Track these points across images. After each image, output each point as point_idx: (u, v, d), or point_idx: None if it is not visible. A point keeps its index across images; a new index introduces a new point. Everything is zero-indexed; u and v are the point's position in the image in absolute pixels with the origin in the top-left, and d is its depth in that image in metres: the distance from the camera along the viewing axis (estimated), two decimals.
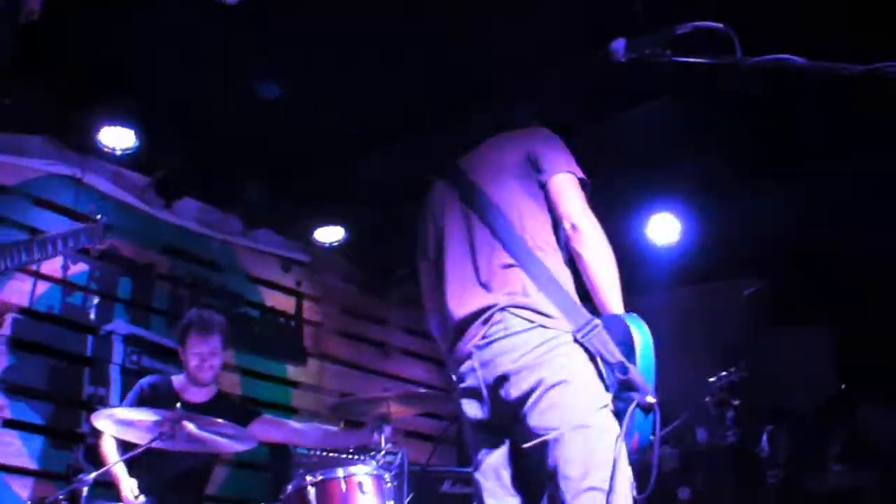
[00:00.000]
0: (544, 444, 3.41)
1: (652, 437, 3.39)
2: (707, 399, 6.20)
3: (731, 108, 6.32)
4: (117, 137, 6.74)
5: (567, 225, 3.69)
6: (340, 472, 5.05)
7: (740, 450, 7.36)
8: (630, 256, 8.21)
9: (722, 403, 6.15)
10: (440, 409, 8.27)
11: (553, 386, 3.43)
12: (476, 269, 3.80)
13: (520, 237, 3.75)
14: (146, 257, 7.54)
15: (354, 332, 9.23)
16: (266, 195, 7.79)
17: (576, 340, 3.51)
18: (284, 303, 8.61)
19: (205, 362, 5.91)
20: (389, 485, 5.25)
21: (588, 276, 3.63)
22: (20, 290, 6.41)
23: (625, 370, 3.38)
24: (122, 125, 6.67)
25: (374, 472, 5.17)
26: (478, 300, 3.71)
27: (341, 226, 8.22)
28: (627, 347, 3.46)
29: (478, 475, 3.74)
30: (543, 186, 3.82)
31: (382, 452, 5.74)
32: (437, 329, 4.13)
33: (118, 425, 4.95)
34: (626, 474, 3.36)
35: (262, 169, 7.51)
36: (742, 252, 8.10)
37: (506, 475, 3.67)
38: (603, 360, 3.47)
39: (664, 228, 7.92)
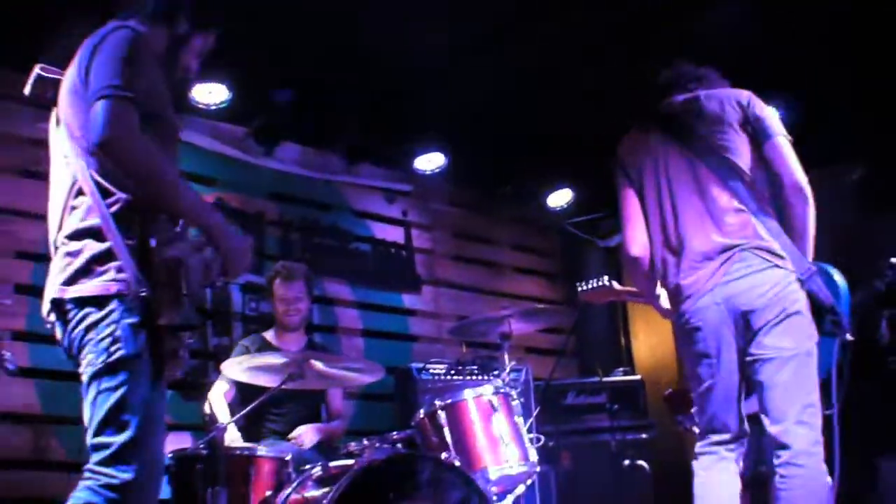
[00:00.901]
0: (777, 360, 4.00)
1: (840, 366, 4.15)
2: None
3: None
4: (211, 93, 6.85)
5: (791, 182, 4.15)
6: (469, 394, 5.12)
7: (859, 338, 7.26)
8: None
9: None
10: (559, 322, 8.33)
11: (792, 314, 4.00)
12: (709, 212, 4.24)
13: (747, 186, 4.21)
14: (254, 206, 7.66)
15: (465, 255, 9.30)
16: (363, 130, 7.83)
17: (798, 280, 4.07)
18: (393, 234, 8.69)
19: (290, 306, 6.26)
20: (516, 402, 5.31)
21: (799, 227, 4.14)
22: None
23: (836, 312, 4.07)
24: (214, 80, 6.77)
25: (502, 391, 5.22)
26: (716, 240, 4.18)
27: (440, 151, 8.23)
28: (833, 292, 4.12)
29: (707, 394, 4.25)
30: (761, 145, 4.24)
31: (507, 370, 5.79)
32: (640, 259, 4.51)
33: (247, 372, 5.07)
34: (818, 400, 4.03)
35: (357, 105, 7.53)
36: (846, 137, 7.92)
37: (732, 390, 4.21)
38: (819, 300, 4.07)
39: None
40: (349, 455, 4.92)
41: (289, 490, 4.64)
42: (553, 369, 7.24)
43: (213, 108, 6.94)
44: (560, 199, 9.27)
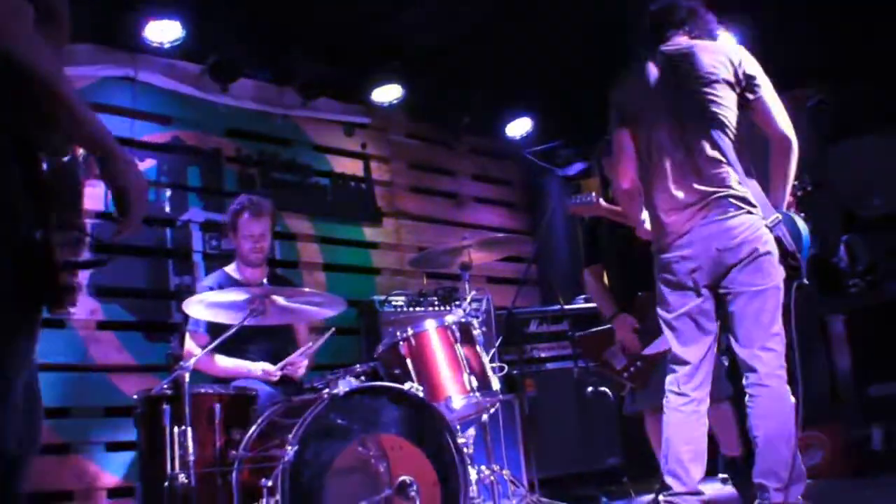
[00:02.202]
0: (747, 293, 4.39)
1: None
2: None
3: None
4: (164, 31, 6.79)
5: (778, 136, 4.49)
6: (430, 325, 5.18)
7: (819, 261, 7.38)
8: None
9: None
10: (520, 251, 8.38)
11: (763, 254, 4.37)
12: (692, 161, 4.51)
13: (730, 139, 4.50)
14: (211, 143, 7.62)
15: (425, 186, 9.31)
16: (320, 63, 7.80)
17: (767, 227, 4.42)
18: (353, 167, 8.67)
19: (256, 244, 6.12)
20: (477, 331, 5.37)
21: (780, 177, 4.52)
22: (93, 196, 6.53)
23: (796, 258, 4.40)
24: (167, 17, 6.71)
25: (463, 320, 5.28)
26: (696, 188, 4.49)
27: (398, 83, 8.19)
28: (795, 239, 4.42)
29: (674, 321, 4.61)
30: (750, 100, 4.52)
31: (468, 300, 5.84)
32: (630, 190, 4.85)
33: (209, 308, 5.08)
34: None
35: (311, 39, 7.50)
36: (801, 62, 7.93)
37: (701, 320, 4.54)
38: (783, 245, 4.41)
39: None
40: (313, 390, 4.96)
41: (254, 427, 4.69)
42: (514, 298, 7.29)
43: (168, 45, 6.88)
44: (519, 128, 9.28)
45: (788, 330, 4.37)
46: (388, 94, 8.26)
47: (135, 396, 4.96)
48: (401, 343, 5.12)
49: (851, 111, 8.11)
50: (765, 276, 4.39)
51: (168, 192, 7.24)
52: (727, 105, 4.53)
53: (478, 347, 5.27)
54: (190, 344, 5.90)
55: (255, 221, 6.14)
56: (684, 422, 4.48)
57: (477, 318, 5.53)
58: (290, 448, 4.23)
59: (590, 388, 7.31)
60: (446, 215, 9.33)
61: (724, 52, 4.61)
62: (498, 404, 5.69)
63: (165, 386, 4.71)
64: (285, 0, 6.90)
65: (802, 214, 4.61)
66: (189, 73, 7.45)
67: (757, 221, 4.42)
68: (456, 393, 5.01)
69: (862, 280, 7.53)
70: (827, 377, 7.62)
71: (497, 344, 6.39)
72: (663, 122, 4.63)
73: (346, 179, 8.56)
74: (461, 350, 5.10)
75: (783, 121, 4.50)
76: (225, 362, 5.82)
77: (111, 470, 6.41)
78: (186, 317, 5.57)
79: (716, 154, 4.49)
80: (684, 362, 4.55)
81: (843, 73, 8.01)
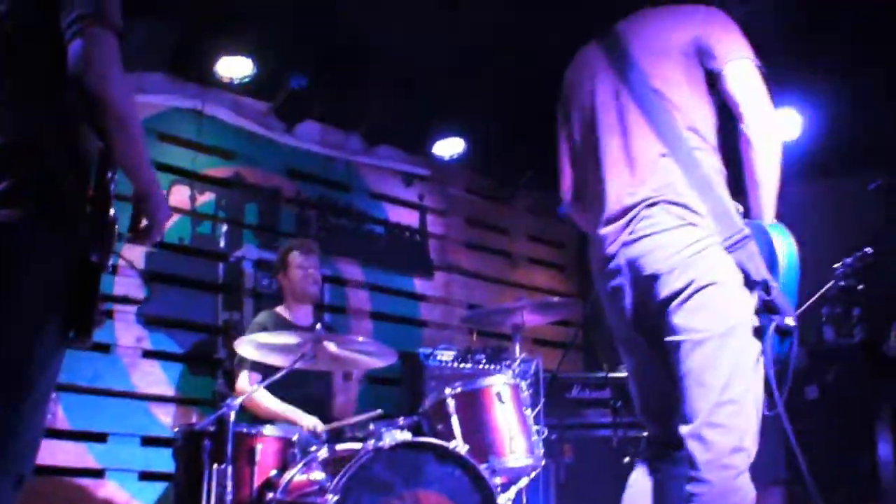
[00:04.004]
0: (687, 343, 3.25)
1: (783, 358, 3.26)
2: (831, 283, 6.05)
3: None
4: (235, 67, 6.86)
5: (740, 117, 3.41)
6: (480, 384, 5.12)
7: (868, 347, 7.24)
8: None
9: (848, 292, 6.00)
10: (569, 315, 8.33)
11: (704, 287, 3.23)
12: (628, 156, 3.54)
13: (678, 127, 3.46)
14: (271, 182, 7.63)
15: (479, 242, 9.25)
16: (385, 112, 7.82)
17: (719, 246, 3.28)
18: (408, 217, 8.66)
19: (309, 276, 6.29)
20: (526, 393, 5.31)
21: (750, 172, 3.43)
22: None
23: (768, 289, 3.20)
24: (239, 54, 6.77)
25: (511, 382, 5.22)
26: (628, 191, 3.48)
27: (461, 137, 8.21)
28: (772, 261, 3.28)
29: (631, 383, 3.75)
30: (716, 75, 3.49)
31: (518, 361, 5.79)
32: (579, 210, 3.99)
33: (259, 350, 5.07)
34: (759, 392, 3.25)
35: (380, 86, 7.52)
36: (865, 145, 7.88)
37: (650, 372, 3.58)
38: (747, 275, 3.25)
39: (785, 123, 7.72)
40: (356, 439, 4.93)
41: (293, 471, 4.65)
42: (560, 362, 7.22)
43: (237, 82, 6.95)
44: None
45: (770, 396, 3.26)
46: (449, 147, 8.28)
47: (175, 429, 4.94)
48: (448, 399, 5.05)
49: None
50: (708, 317, 3.25)
51: (224, 227, 7.26)
52: (680, 80, 3.50)
53: (526, 410, 5.20)
54: (244, 381, 5.90)
55: (305, 257, 6.32)
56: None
57: (525, 380, 5.47)
58: (331, 497, 4.18)
59: (627, 458, 7.22)
60: (498, 273, 9.26)
61: (685, 14, 3.61)
62: (539, 469, 5.62)
63: (209, 423, 4.69)
64: (354, 47, 6.95)
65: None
66: (255, 111, 7.50)
67: (701, 238, 3.30)
68: (499, 454, 4.94)
69: None
70: (871, 467, 7.48)
71: (540, 406, 6.33)
72: (599, 108, 3.68)
73: (401, 229, 8.54)
74: (508, 412, 5.03)
75: (750, 101, 3.40)
76: (275, 405, 5.82)
77: (142, 498, 6.39)
78: (236, 354, 5.55)
79: (658, 146, 3.47)
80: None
81: None
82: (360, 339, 5.25)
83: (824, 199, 8.46)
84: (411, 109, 7.88)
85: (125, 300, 6.52)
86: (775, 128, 3.43)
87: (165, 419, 6.56)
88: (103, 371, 6.35)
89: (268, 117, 7.48)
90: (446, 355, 7.19)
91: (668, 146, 3.44)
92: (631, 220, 3.44)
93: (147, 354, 6.65)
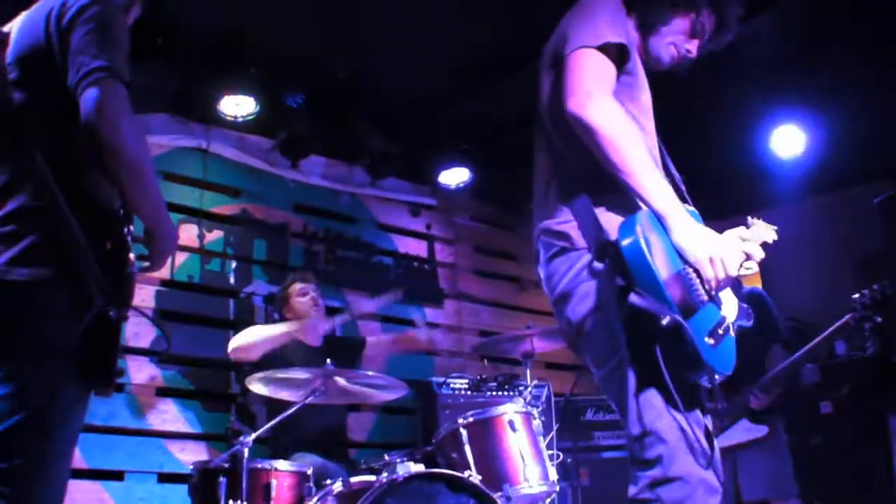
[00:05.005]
0: (600, 379, 3.13)
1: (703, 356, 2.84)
2: (849, 316, 6.04)
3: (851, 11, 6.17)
4: (238, 105, 6.90)
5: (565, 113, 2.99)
6: (492, 413, 5.13)
7: (881, 361, 7.22)
8: (755, 170, 8.09)
9: (864, 320, 6.01)
10: None
11: (586, 315, 3.01)
12: (536, 187, 3.33)
13: (555, 144, 3.22)
14: (278, 217, 7.70)
15: (488, 269, 9.29)
16: (389, 144, 7.86)
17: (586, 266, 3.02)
18: (416, 247, 8.71)
19: (310, 299, 6.40)
20: (538, 421, 5.32)
21: (604, 164, 2.95)
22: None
23: (633, 291, 2.80)
24: (242, 93, 6.82)
25: (523, 410, 5.23)
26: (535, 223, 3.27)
27: (466, 166, 8.26)
28: (636, 265, 2.83)
29: None
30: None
31: (529, 388, 5.81)
32: None
33: (270, 386, 5.10)
34: (671, 420, 2.88)
35: (382, 119, 7.57)
36: (870, 158, 7.90)
37: None
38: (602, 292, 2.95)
39: (788, 140, 7.75)
40: (370, 471, 4.94)
41: None
42: (573, 385, 7.23)
43: (241, 119, 6.99)
44: None
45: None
46: (455, 176, 8.33)
47: (190, 466, 4.96)
48: (461, 429, 5.06)
49: None
50: (598, 349, 3.05)
51: (234, 264, 7.31)
52: (550, 96, 3.22)
53: (538, 438, 5.21)
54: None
55: (302, 283, 6.45)
56: None
57: (537, 406, 5.48)
58: None
59: None
60: (508, 299, 9.29)
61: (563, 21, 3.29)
62: (554, 495, 5.62)
63: (224, 459, 4.71)
64: (356, 81, 7.01)
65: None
66: (260, 148, 7.56)
67: (574, 263, 3.05)
68: (513, 483, 4.94)
69: None
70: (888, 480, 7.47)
71: (554, 431, 6.35)
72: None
73: (409, 259, 8.59)
74: (521, 440, 5.04)
75: (567, 90, 2.99)
76: (264, 331, 6.10)
77: None
78: (244, 389, 5.59)
79: (546, 172, 3.26)
80: None
81: None
82: (370, 373, 5.26)
83: (832, 212, 8.48)
84: (415, 139, 7.92)
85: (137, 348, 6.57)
86: (599, 114, 2.90)
87: (181, 456, 6.60)
88: (118, 410, 6.40)
89: (272, 153, 7.53)
90: (459, 383, 7.22)
91: (552, 168, 3.24)
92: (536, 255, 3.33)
93: (161, 392, 6.69)
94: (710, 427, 2.98)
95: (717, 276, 2.89)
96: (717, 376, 2.93)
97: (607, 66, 3.05)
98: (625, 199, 2.99)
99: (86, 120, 2.65)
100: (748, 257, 3.09)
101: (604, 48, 3.03)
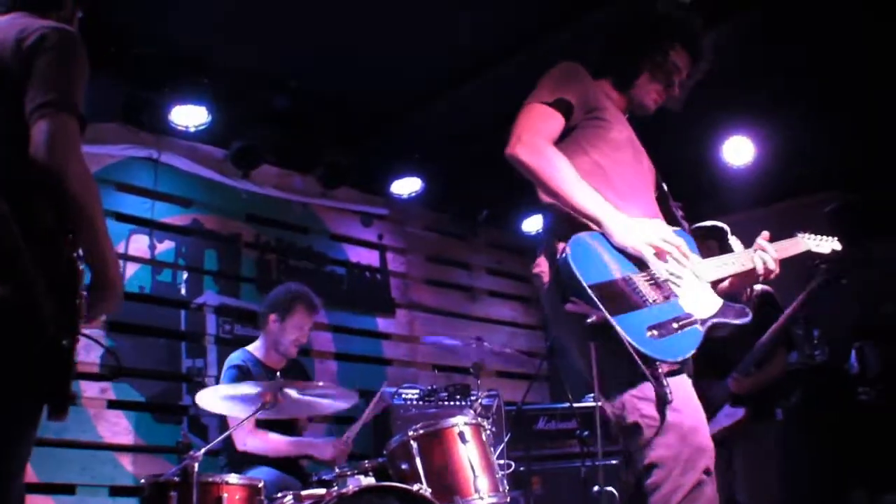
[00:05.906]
0: None
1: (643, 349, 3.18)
2: (791, 310, 6.11)
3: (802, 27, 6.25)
4: (189, 115, 6.87)
5: None
6: (441, 425, 5.15)
7: (831, 368, 7.32)
8: (707, 179, 8.15)
9: (808, 321, 6.08)
10: (532, 347, 8.38)
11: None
12: None
13: None
14: (230, 228, 7.69)
15: (440, 278, 9.33)
16: (341, 154, 7.87)
17: None
18: (368, 257, 8.71)
19: (302, 338, 6.22)
20: (488, 432, 5.34)
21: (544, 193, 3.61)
22: None
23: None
24: (194, 103, 6.80)
25: (474, 422, 5.25)
26: None
27: (417, 176, 8.29)
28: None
29: None
30: None
31: (479, 399, 5.83)
32: None
33: (221, 401, 5.09)
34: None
35: (335, 129, 7.58)
36: (819, 167, 7.98)
37: None
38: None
39: (739, 150, 7.83)
40: (321, 483, 4.95)
41: None
42: (525, 394, 7.26)
43: (193, 130, 6.97)
44: (535, 224, 9.31)
45: None
46: (407, 186, 8.36)
47: (142, 480, 4.94)
48: (411, 441, 5.08)
49: (868, 216, 8.06)
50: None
51: (185, 275, 7.28)
52: None
53: (488, 449, 5.23)
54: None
55: (309, 316, 6.24)
56: None
57: (488, 418, 5.50)
58: None
59: (596, 487, 7.25)
60: (460, 308, 9.32)
61: None
62: None
63: (176, 476, 4.69)
64: (308, 91, 7.03)
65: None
66: (212, 158, 7.55)
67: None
68: (465, 495, 4.94)
69: (872, 388, 7.48)
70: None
71: (506, 440, 6.37)
72: None
73: (361, 269, 8.60)
74: (471, 451, 5.05)
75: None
76: (283, 444, 5.89)
77: None
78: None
79: None
80: None
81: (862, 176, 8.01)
82: (321, 384, 5.27)
83: (785, 220, 8.57)
84: (367, 150, 7.94)
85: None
86: (521, 153, 3.50)
87: (133, 469, 6.56)
88: (69, 423, 6.30)
89: (224, 163, 7.52)
90: (410, 393, 7.22)
91: None
92: None
93: (112, 405, 6.65)
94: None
95: (662, 252, 3.33)
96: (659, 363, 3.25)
97: (547, 116, 3.57)
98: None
99: (34, 155, 2.65)
100: None
101: (551, 103, 3.57)
